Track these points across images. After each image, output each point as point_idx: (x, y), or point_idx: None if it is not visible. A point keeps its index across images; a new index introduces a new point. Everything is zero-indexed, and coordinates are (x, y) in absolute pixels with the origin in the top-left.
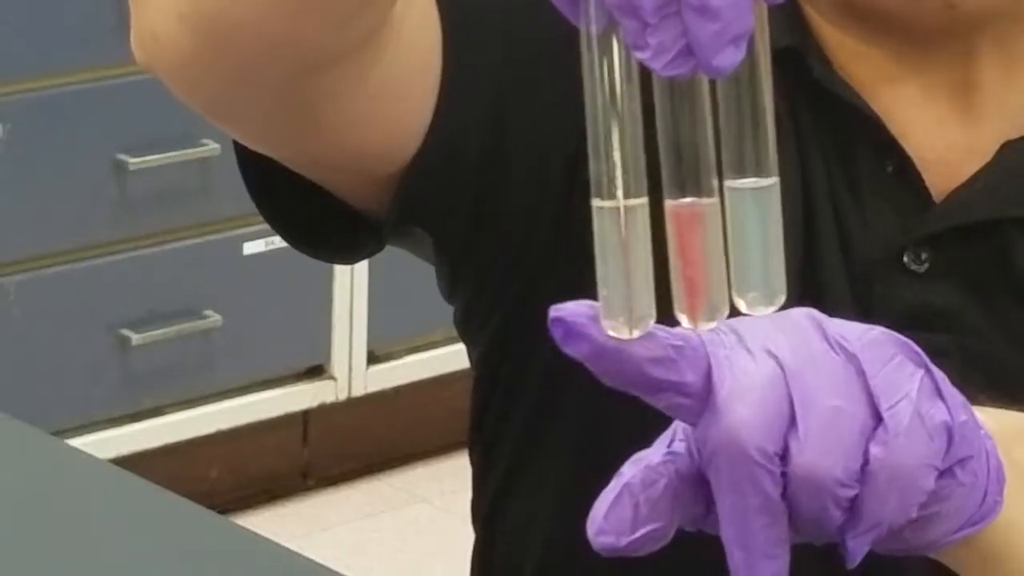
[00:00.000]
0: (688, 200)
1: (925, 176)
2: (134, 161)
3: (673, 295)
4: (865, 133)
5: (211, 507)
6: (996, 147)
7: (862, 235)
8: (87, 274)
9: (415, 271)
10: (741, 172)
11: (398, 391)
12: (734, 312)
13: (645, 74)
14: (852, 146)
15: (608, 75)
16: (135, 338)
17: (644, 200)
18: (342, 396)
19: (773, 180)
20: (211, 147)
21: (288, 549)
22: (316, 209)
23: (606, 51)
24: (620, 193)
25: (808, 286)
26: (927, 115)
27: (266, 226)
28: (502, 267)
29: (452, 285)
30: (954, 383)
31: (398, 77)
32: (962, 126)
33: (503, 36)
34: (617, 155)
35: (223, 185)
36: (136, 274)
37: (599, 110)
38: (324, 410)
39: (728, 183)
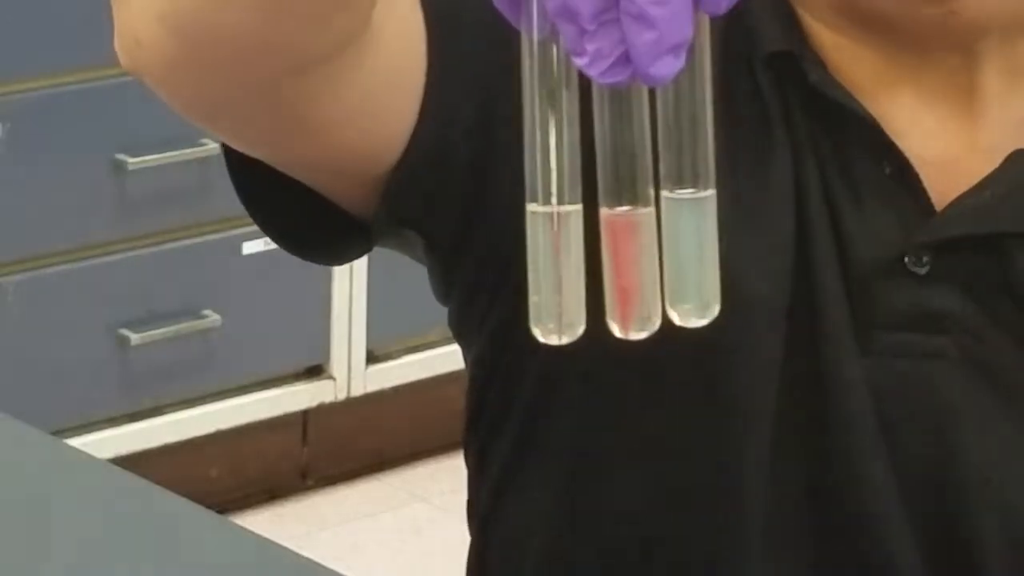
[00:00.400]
0: (624, 209)
1: (924, 177)
2: (133, 161)
3: (606, 303)
4: (862, 136)
5: (210, 507)
6: (998, 149)
7: (861, 237)
8: (87, 274)
9: (414, 271)
10: (679, 183)
11: (397, 391)
12: (667, 322)
13: (585, 81)
14: (849, 149)
15: (547, 80)
16: (134, 338)
17: (578, 207)
18: (341, 396)
19: (710, 192)
20: (210, 147)
21: (287, 549)
22: (304, 211)
23: (546, 56)
24: (554, 199)
25: (801, 286)
26: (926, 117)
27: None
28: (495, 267)
29: (445, 287)
30: (954, 385)
31: (383, 78)
32: (963, 127)
33: (487, 36)
34: (553, 160)
35: (222, 185)
36: (135, 274)
37: (536, 114)
38: (323, 410)
39: (665, 193)
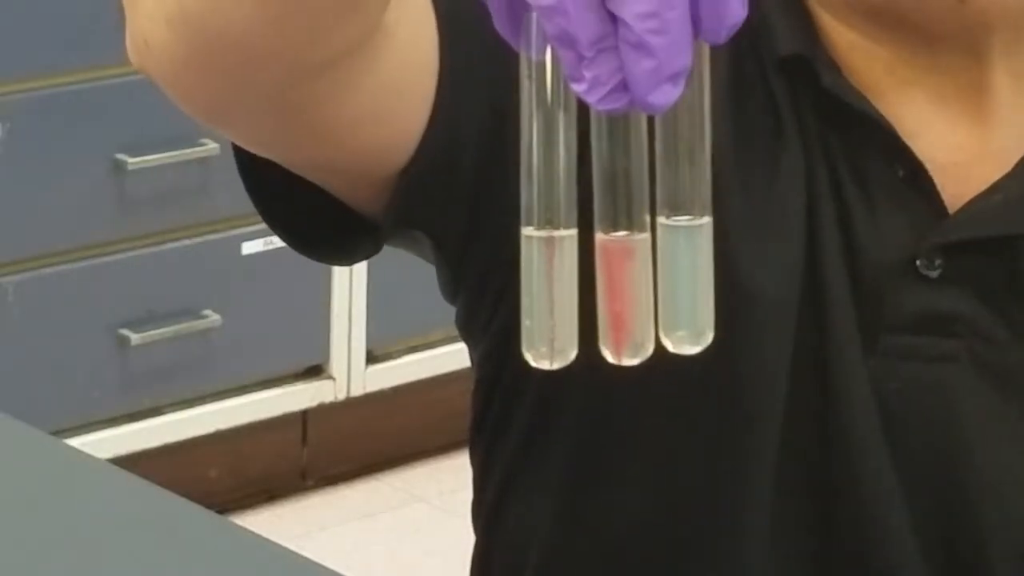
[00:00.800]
0: (619, 234)
1: (937, 179)
2: (133, 161)
3: (599, 329)
4: (875, 138)
5: (210, 507)
6: (1009, 152)
7: (873, 239)
8: (87, 274)
9: (414, 271)
10: (675, 209)
11: (397, 391)
12: (660, 348)
13: (584, 104)
14: (862, 151)
15: (545, 103)
16: (134, 338)
17: (574, 231)
18: (341, 396)
19: (707, 219)
20: (210, 147)
21: (287, 549)
22: (314, 210)
23: (544, 79)
24: (550, 223)
25: (810, 286)
26: (938, 118)
27: (265, 226)
28: (503, 267)
29: (453, 286)
30: (963, 388)
31: (394, 81)
32: (974, 129)
33: (499, 41)
34: (549, 184)
35: (222, 185)
36: (135, 274)
37: (534, 137)
38: (323, 410)
39: (661, 220)
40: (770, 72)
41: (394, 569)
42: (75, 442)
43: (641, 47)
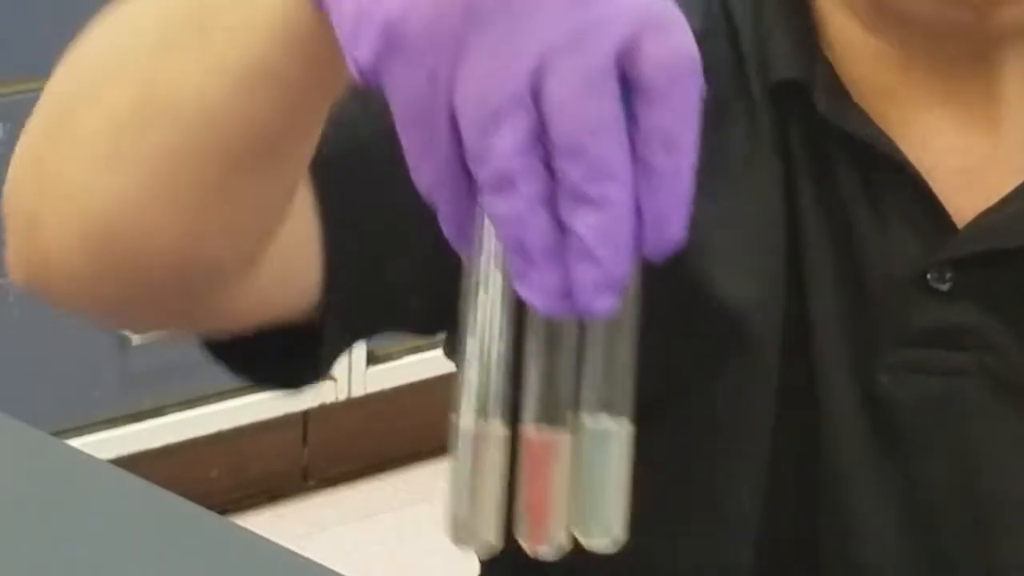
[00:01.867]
0: (546, 431)
1: (945, 185)
2: None
3: (515, 516)
4: (879, 157)
5: (211, 507)
6: (1016, 162)
7: (881, 253)
8: None
9: None
10: (597, 410)
11: (398, 391)
12: (577, 544)
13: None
14: (868, 171)
15: (489, 303)
16: (135, 338)
17: (505, 432)
18: (342, 396)
19: (628, 426)
20: None
21: (288, 549)
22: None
23: (490, 280)
24: (481, 417)
25: (793, 308)
26: (948, 122)
27: None
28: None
29: (428, 334)
30: (974, 402)
31: (289, 253)
32: (984, 136)
33: (373, 185)
34: (482, 377)
35: None
36: None
37: (469, 332)
38: (324, 410)
39: (584, 421)
40: (762, 96)
41: (395, 569)
42: (76, 443)
43: (589, 257)
